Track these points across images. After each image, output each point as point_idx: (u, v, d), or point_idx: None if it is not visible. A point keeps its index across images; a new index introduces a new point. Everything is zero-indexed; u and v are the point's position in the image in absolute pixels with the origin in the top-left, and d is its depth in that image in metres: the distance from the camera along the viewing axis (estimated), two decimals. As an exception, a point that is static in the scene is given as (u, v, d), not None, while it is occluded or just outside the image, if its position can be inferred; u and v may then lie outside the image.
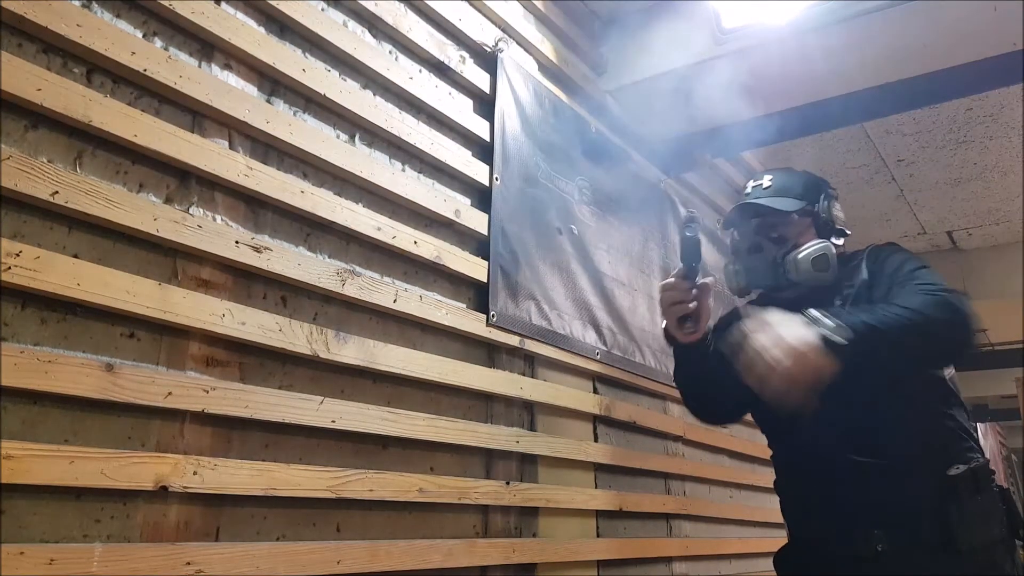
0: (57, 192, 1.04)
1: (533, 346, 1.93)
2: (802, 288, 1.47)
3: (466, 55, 1.92)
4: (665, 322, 1.47)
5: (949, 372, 1.43)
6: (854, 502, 1.36)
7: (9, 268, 0.97)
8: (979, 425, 6.86)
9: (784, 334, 1.18)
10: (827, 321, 1.20)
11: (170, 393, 1.12)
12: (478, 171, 1.87)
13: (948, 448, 1.37)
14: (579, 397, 2.09)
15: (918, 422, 1.36)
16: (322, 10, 1.54)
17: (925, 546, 1.31)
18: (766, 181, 1.54)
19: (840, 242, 1.50)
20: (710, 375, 1.50)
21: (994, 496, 1.36)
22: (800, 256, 1.45)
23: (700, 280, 1.41)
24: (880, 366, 1.26)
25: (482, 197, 1.89)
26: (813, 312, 1.23)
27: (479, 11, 1.99)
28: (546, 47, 2.24)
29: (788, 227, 1.49)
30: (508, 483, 1.73)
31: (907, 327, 1.21)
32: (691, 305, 1.41)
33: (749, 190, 1.56)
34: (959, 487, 1.32)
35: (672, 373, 1.63)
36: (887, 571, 1.32)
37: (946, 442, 1.38)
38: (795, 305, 1.49)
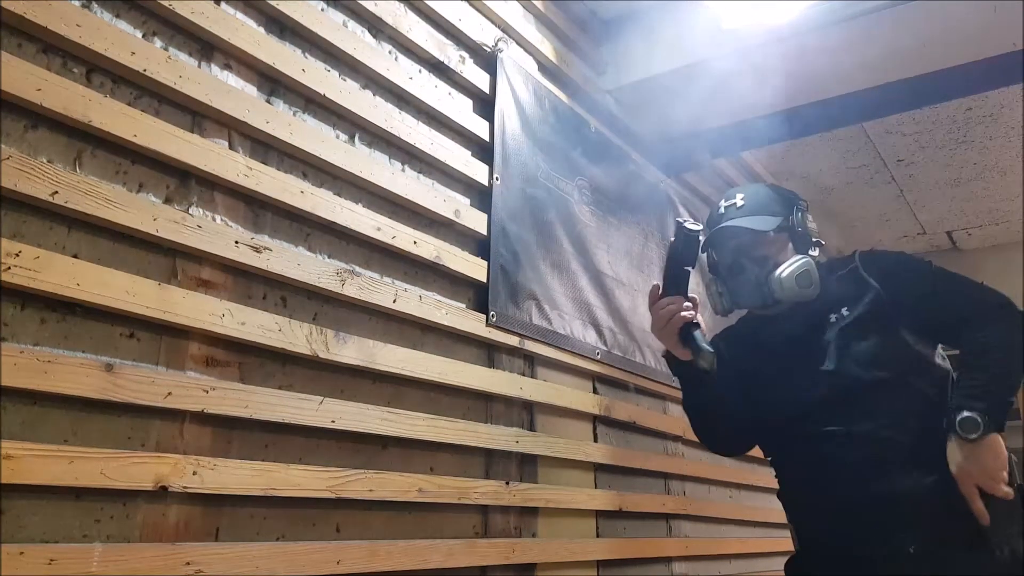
0: (57, 192, 1.04)
1: (533, 346, 1.93)
2: (786, 304, 1.49)
3: (466, 55, 1.92)
4: (665, 344, 1.47)
5: (957, 373, 1.44)
6: (881, 504, 1.36)
7: (9, 268, 0.97)
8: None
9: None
10: (970, 425, 1.31)
11: (170, 393, 1.12)
12: (478, 171, 1.87)
13: None
14: (579, 397, 2.09)
15: (939, 421, 1.36)
16: (322, 10, 1.54)
17: (953, 545, 1.31)
18: (739, 200, 1.54)
19: (816, 254, 1.53)
20: (718, 394, 1.51)
21: (1015, 492, 1.37)
22: (784, 275, 1.46)
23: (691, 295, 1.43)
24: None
25: (482, 197, 1.89)
26: (959, 426, 1.32)
27: (479, 11, 1.99)
28: (546, 47, 2.24)
29: (767, 246, 1.50)
30: (508, 483, 1.73)
31: (1014, 359, 1.37)
32: (686, 314, 1.40)
33: (723, 211, 1.56)
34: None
35: (681, 401, 1.63)
36: (916, 571, 1.32)
37: None
38: (781, 321, 1.50)
